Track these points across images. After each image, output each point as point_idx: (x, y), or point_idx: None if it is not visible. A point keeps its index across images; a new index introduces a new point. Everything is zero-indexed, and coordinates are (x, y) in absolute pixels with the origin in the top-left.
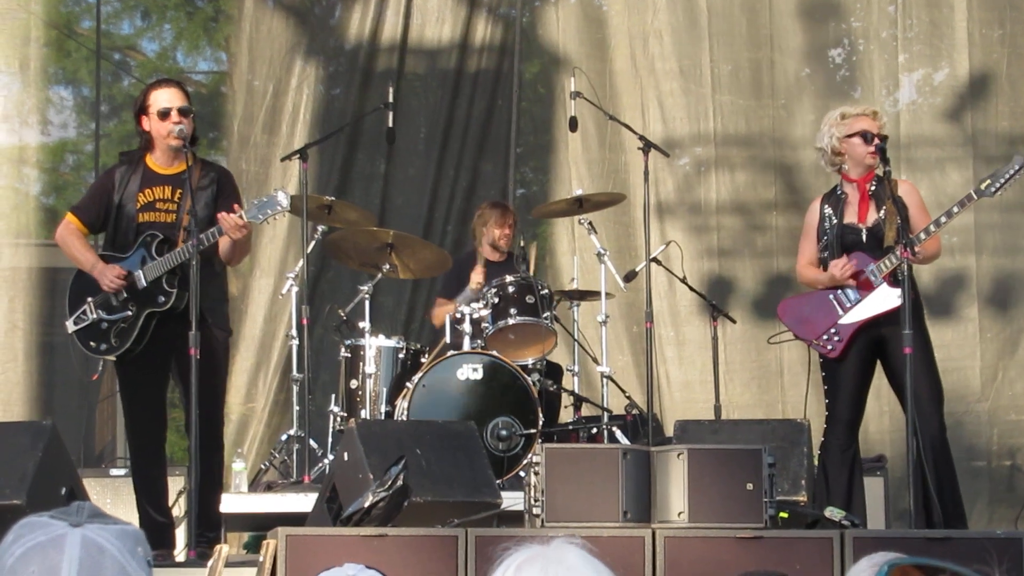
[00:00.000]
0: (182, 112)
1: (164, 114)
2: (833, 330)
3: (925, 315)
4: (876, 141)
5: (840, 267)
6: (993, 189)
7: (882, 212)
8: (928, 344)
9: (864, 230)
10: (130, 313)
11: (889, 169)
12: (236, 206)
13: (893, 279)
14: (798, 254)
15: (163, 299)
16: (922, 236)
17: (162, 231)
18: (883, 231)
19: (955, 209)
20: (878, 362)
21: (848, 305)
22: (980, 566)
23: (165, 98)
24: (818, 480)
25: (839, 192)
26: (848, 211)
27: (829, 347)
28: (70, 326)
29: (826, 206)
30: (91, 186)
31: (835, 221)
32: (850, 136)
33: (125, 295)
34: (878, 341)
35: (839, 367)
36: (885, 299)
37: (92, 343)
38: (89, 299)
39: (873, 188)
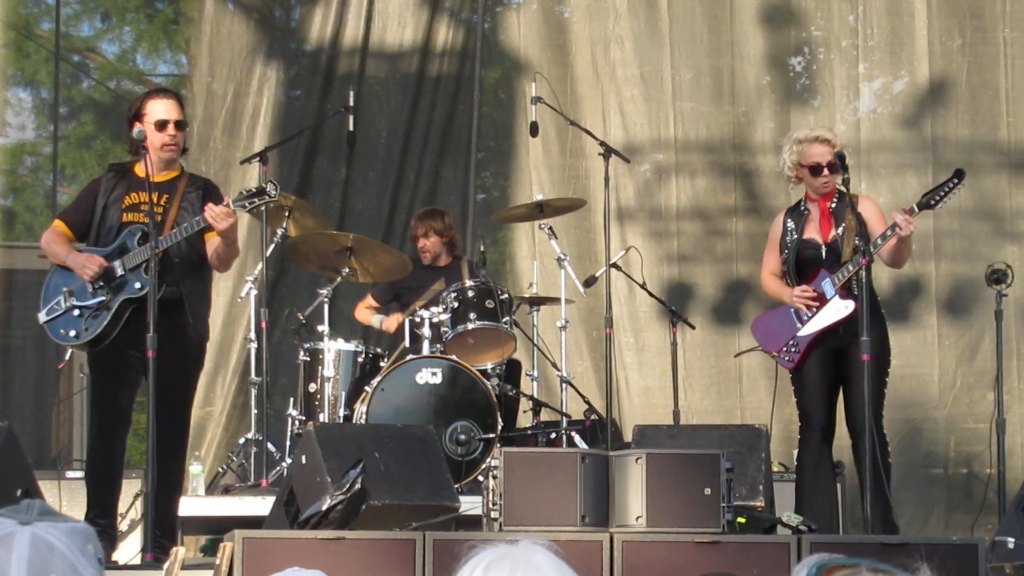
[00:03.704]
0: (178, 125)
1: (161, 125)
2: (792, 342)
3: (887, 328)
4: (825, 172)
5: (799, 295)
6: (933, 202)
7: (840, 229)
8: (881, 362)
9: (823, 246)
10: (104, 299)
11: (847, 177)
12: (226, 197)
13: (846, 291)
14: (762, 264)
15: (139, 285)
16: (869, 250)
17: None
18: (841, 247)
19: (895, 228)
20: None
21: (805, 318)
22: (904, 559)
23: (163, 109)
24: (796, 485)
25: (802, 208)
26: (809, 227)
27: (787, 359)
28: (42, 317)
29: (789, 220)
30: (78, 194)
31: (796, 236)
32: (803, 166)
33: (101, 283)
34: (837, 352)
35: (804, 374)
36: (836, 311)
37: (63, 330)
38: (64, 289)
39: (834, 205)
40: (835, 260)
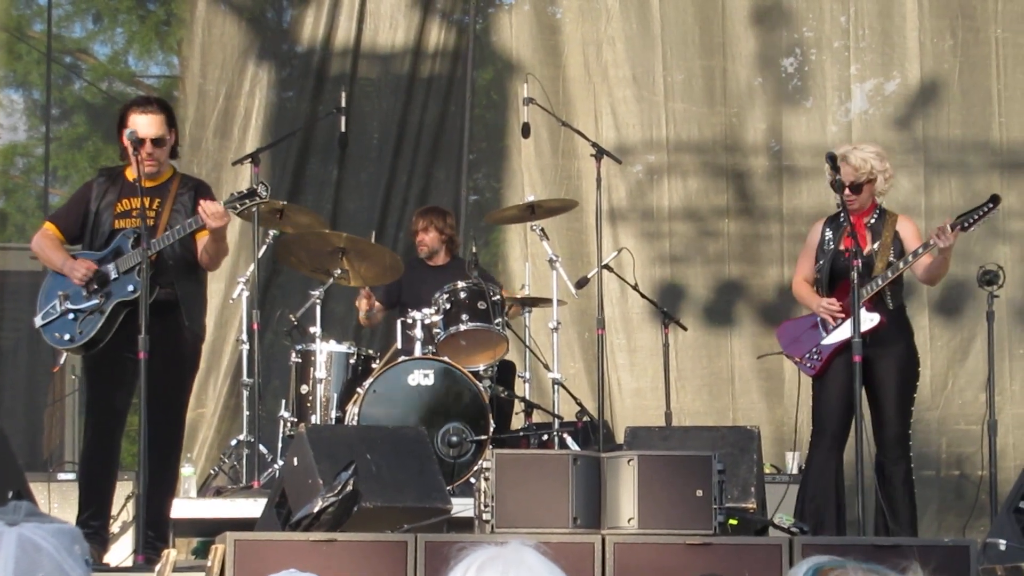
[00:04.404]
0: (156, 143)
1: (138, 143)
2: (815, 350)
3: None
4: (846, 192)
5: (826, 307)
6: (967, 224)
7: (876, 244)
8: (907, 375)
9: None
10: (98, 301)
11: (839, 178)
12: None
13: (872, 304)
14: (796, 268)
15: (132, 288)
16: (899, 266)
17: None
18: (874, 261)
19: (931, 242)
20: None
21: (831, 328)
22: (897, 560)
23: (141, 126)
24: (799, 489)
25: (841, 219)
26: (846, 239)
27: (808, 365)
28: (38, 321)
29: (828, 230)
30: (69, 197)
31: (832, 247)
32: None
33: (96, 286)
34: (863, 362)
35: (826, 382)
36: (861, 323)
37: (57, 334)
38: (59, 293)
39: (872, 221)
40: (867, 273)
